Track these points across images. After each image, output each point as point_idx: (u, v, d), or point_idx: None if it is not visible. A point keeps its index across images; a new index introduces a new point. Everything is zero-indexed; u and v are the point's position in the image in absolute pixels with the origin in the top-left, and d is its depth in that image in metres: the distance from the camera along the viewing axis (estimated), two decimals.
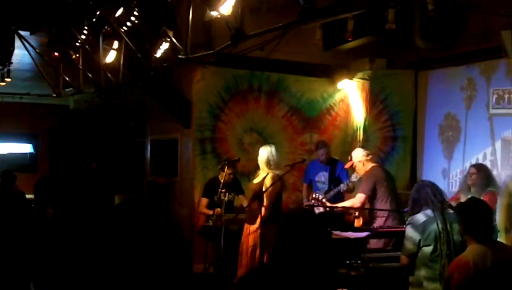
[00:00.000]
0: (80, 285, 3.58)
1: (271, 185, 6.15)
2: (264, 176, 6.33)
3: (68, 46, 6.86)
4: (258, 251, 6.20)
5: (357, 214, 6.47)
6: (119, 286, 3.16)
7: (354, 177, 6.93)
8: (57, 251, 3.75)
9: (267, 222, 6.14)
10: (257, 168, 6.59)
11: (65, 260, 3.70)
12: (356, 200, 6.37)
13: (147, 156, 9.81)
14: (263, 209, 6.14)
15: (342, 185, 7.19)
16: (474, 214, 3.74)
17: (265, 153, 6.40)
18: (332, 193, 7.20)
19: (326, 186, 7.49)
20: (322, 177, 7.58)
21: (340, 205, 6.54)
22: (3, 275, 3.78)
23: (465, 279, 3.54)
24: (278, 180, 6.25)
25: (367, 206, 6.37)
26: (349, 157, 6.68)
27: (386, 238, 6.08)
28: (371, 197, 6.36)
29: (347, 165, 6.67)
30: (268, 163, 6.35)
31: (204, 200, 7.38)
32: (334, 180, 7.44)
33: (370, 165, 6.59)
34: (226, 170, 6.87)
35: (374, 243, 6.09)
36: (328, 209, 6.79)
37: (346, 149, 8.88)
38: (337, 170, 7.48)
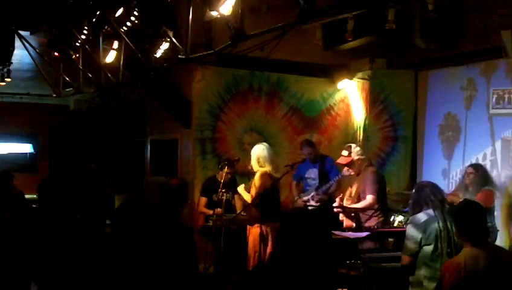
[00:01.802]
0: (82, 285, 3.58)
1: (273, 183, 6.26)
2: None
3: (68, 46, 6.85)
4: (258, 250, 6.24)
5: (352, 214, 6.43)
6: (124, 286, 3.16)
7: (346, 172, 6.91)
8: (58, 250, 3.75)
9: (263, 220, 6.21)
10: None
11: (67, 259, 3.70)
12: (371, 201, 6.21)
13: (147, 156, 9.81)
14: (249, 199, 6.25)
15: (332, 181, 7.18)
16: (466, 217, 3.71)
17: (255, 151, 6.46)
18: (324, 187, 7.21)
19: (316, 183, 7.46)
20: (312, 173, 7.55)
21: (353, 206, 6.42)
22: (3, 275, 3.78)
23: (456, 280, 3.53)
24: (278, 179, 6.31)
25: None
26: (347, 152, 6.49)
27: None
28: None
29: (344, 161, 6.45)
30: (257, 161, 6.41)
31: (203, 200, 7.41)
32: (324, 176, 7.42)
33: (364, 164, 6.46)
34: (225, 169, 6.89)
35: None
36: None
37: None
38: (327, 166, 7.47)
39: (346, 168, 6.72)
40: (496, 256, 3.64)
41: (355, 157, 6.36)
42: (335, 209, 6.31)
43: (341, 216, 6.64)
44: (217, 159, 8.02)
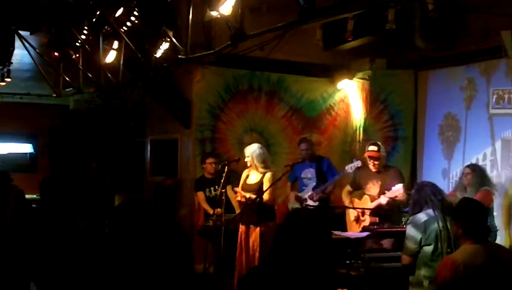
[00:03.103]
0: (81, 285, 3.58)
1: (274, 182, 6.31)
2: (262, 175, 6.39)
3: (68, 46, 6.86)
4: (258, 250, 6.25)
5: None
6: (122, 286, 3.16)
7: (349, 169, 6.93)
8: (58, 250, 3.75)
9: (261, 220, 6.27)
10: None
11: (66, 259, 3.70)
12: (405, 195, 6.33)
13: (147, 156, 9.80)
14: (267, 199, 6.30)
15: (330, 180, 7.20)
16: (469, 214, 3.71)
17: (258, 152, 6.43)
18: (323, 186, 7.21)
19: (313, 182, 7.45)
20: (309, 173, 7.53)
21: (399, 198, 6.38)
22: (3, 275, 3.79)
23: (453, 277, 3.52)
24: (279, 179, 6.35)
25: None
26: (376, 148, 6.54)
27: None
28: None
29: (376, 155, 6.53)
30: (264, 162, 6.41)
31: (202, 194, 7.49)
32: (321, 176, 7.43)
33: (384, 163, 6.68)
34: (206, 161, 7.10)
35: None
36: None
37: (346, 149, 8.89)
38: (324, 166, 7.49)
39: (349, 166, 6.80)
40: (495, 253, 3.64)
41: (382, 154, 6.58)
42: (384, 202, 6.30)
43: (354, 215, 6.62)
44: (217, 159, 8.00)
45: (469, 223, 3.66)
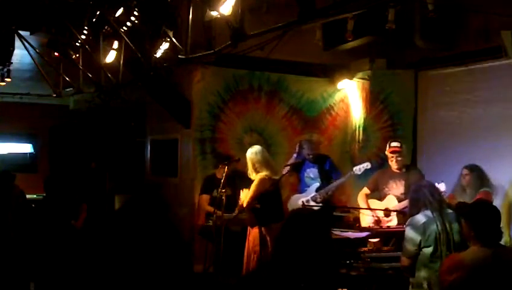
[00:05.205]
0: (80, 285, 3.59)
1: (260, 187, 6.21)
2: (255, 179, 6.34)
3: (68, 46, 6.86)
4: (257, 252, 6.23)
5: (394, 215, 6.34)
6: (119, 286, 3.16)
7: (357, 170, 6.90)
8: (58, 250, 3.75)
9: (263, 222, 6.17)
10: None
11: (66, 259, 3.71)
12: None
13: (147, 156, 9.81)
14: (243, 201, 6.20)
15: (335, 182, 7.19)
16: (482, 218, 3.70)
17: (249, 156, 6.40)
18: (327, 188, 7.19)
19: (316, 183, 7.43)
20: (311, 173, 7.53)
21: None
22: (3, 275, 3.79)
23: (458, 278, 3.52)
24: (276, 181, 6.29)
25: None
26: (399, 144, 6.58)
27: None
28: None
29: (399, 149, 6.54)
30: (254, 166, 6.36)
31: (206, 197, 7.42)
32: (324, 176, 7.42)
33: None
34: (225, 169, 6.88)
35: None
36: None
37: (346, 149, 8.89)
38: (326, 165, 7.48)
39: (358, 167, 6.81)
40: (502, 257, 3.64)
41: (404, 151, 6.63)
42: None
43: (371, 217, 6.45)
44: (217, 159, 8.01)
45: (481, 226, 3.66)
